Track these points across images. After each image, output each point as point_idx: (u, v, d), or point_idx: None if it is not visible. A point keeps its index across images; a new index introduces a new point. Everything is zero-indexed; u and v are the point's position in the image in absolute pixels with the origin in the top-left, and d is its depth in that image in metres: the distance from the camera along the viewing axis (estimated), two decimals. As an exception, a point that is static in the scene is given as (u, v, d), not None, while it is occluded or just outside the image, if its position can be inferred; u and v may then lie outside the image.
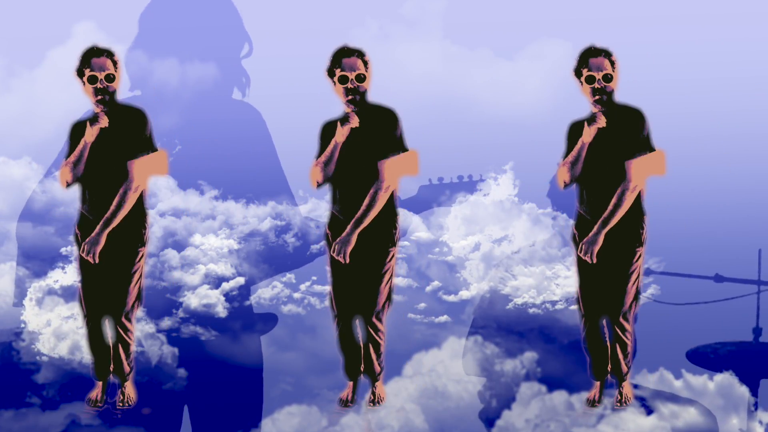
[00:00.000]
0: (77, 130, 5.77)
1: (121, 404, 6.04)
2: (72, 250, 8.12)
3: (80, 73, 5.72)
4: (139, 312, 6.05)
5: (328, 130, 5.81)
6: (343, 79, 5.70)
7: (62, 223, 8.27)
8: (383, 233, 5.78)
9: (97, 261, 5.70)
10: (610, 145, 5.69)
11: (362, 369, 6.02)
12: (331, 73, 5.76)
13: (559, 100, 8.37)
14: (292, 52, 8.97)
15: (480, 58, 9.32)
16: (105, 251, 5.74)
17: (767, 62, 9.04)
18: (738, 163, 8.77)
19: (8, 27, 8.96)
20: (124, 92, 5.92)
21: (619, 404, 6.06)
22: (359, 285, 5.83)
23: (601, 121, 5.69)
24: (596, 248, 5.68)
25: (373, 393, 6.06)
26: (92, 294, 5.83)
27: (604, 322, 5.87)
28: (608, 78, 5.68)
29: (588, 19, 9.05)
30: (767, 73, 9.00)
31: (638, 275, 5.82)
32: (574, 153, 5.76)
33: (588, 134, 5.72)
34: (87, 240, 5.70)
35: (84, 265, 5.82)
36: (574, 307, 7.90)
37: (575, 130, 5.76)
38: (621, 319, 5.83)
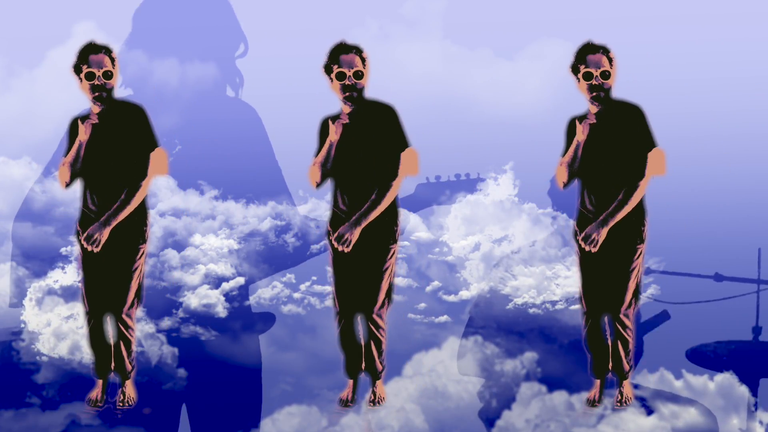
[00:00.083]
0: (76, 126, 5.77)
1: (121, 404, 6.04)
2: (72, 250, 8.12)
3: (77, 69, 5.70)
4: (139, 312, 6.05)
5: (326, 127, 5.80)
6: (341, 76, 5.69)
7: (62, 223, 8.27)
8: (384, 230, 5.78)
9: (98, 250, 5.69)
10: (610, 141, 5.68)
11: (363, 367, 6.02)
12: (328, 70, 5.74)
13: (559, 100, 8.36)
14: (293, 52, 8.98)
15: (480, 58, 9.32)
16: (106, 248, 5.74)
17: (767, 62, 9.04)
18: (738, 163, 8.78)
19: (8, 27, 8.97)
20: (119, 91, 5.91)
21: (619, 404, 6.06)
22: (361, 282, 5.83)
23: (592, 118, 5.69)
24: (600, 238, 5.66)
25: (374, 393, 6.06)
26: (94, 291, 5.83)
27: (606, 319, 5.88)
28: (606, 75, 5.67)
29: (588, 19, 9.05)
30: (767, 73, 9.00)
31: (639, 272, 5.82)
32: (570, 153, 5.76)
33: (581, 132, 5.72)
34: (92, 227, 5.68)
35: (86, 262, 5.83)
36: (575, 307, 7.92)
37: (574, 126, 5.76)
38: (622, 316, 5.83)
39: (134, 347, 6.01)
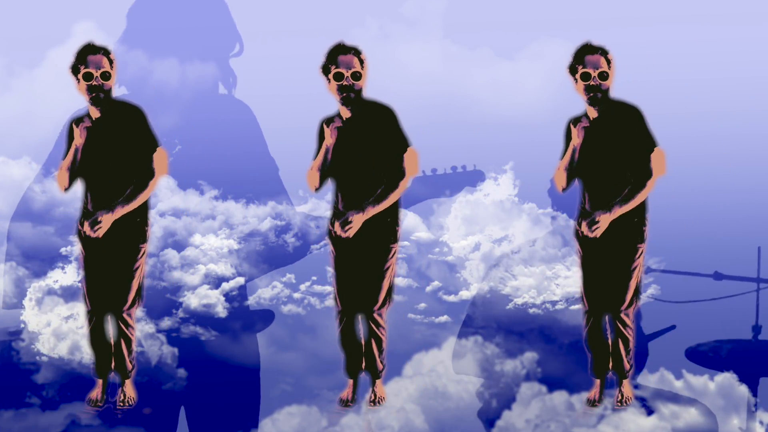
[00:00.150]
0: (77, 123, 5.77)
1: (121, 404, 6.04)
2: (72, 250, 8.12)
3: (75, 70, 5.70)
4: (139, 312, 6.06)
5: (324, 128, 5.80)
6: (339, 76, 5.68)
7: (62, 223, 8.26)
8: (386, 230, 5.79)
9: (98, 236, 5.68)
10: (609, 141, 5.69)
11: (363, 366, 6.02)
12: (326, 70, 5.73)
13: (559, 100, 8.35)
14: (293, 52, 8.97)
15: (480, 57, 9.32)
16: (108, 247, 5.76)
17: (767, 62, 9.03)
18: (737, 162, 8.77)
19: (8, 27, 8.96)
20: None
21: (619, 404, 6.06)
22: (362, 281, 5.83)
23: (586, 122, 5.69)
24: (603, 223, 5.64)
25: (374, 392, 6.06)
26: (95, 290, 5.84)
27: (606, 319, 5.88)
28: (604, 76, 5.66)
29: (588, 19, 9.05)
30: (767, 73, 9.00)
31: (639, 272, 5.82)
32: (567, 157, 5.76)
33: (576, 136, 5.72)
34: (96, 215, 5.68)
35: (87, 262, 5.84)
36: (575, 307, 7.93)
37: (579, 118, 5.76)
38: (623, 315, 5.84)
39: (134, 346, 6.02)
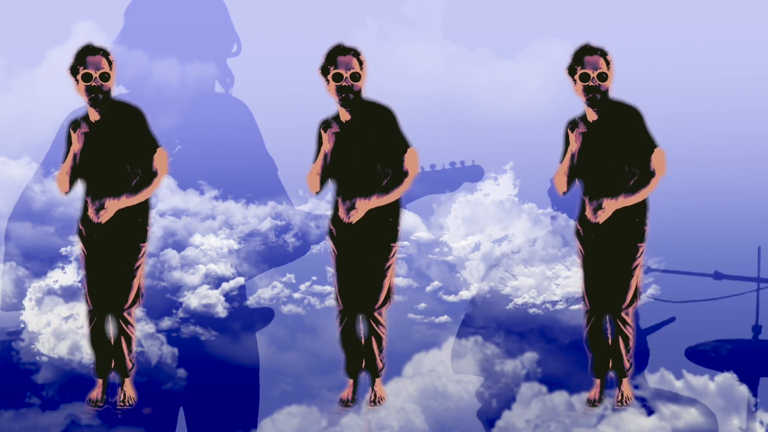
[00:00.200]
0: (73, 130, 5.77)
1: (122, 403, 6.05)
2: (72, 250, 8.12)
3: (74, 70, 5.70)
4: (139, 312, 6.06)
5: (324, 129, 5.80)
6: (338, 77, 5.67)
7: (62, 223, 8.26)
8: (386, 229, 5.79)
9: (102, 221, 5.68)
10: (609, 142, 5.68)
11: (363, 365, 6.02)
12: (325, 71, 5.72)
13: (559, 100, 8.33)
14: (293, 52, 8.97)
15: (480, 58, 9.32)
16: (108, 246, 5.77)
17: (767, 62, 9.03)
18: (737, 162, 8.77)
19: (8, 27, 8.96)
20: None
21: (619, 404, 6.07)
22: (363, 280, 5.83)
23: (583, 127, 5.69)
24: (608, 208, 5.63)
25: (374, 392, 6.07)
26: (96, 289, 5.85)
27: (607, 318, 5.88)
28: (603, 77, 5.66)
29: (588, 19, 9.05)
30: (767, 73, 9.00)
31: (640, 270, 5.83)
32: (566, 163, 5.76)
33: (574, 141, 5.72)
34: (102, 200, 5.68)
35: (88, 261, 5.85)
36: (575, 307, 7.92)
37: (572, 129, 5.76)
38: (623, 314, 5.84)
39: (134, 345, 6.02)
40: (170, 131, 8.20)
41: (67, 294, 8.07)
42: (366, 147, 5.71)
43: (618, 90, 5.73)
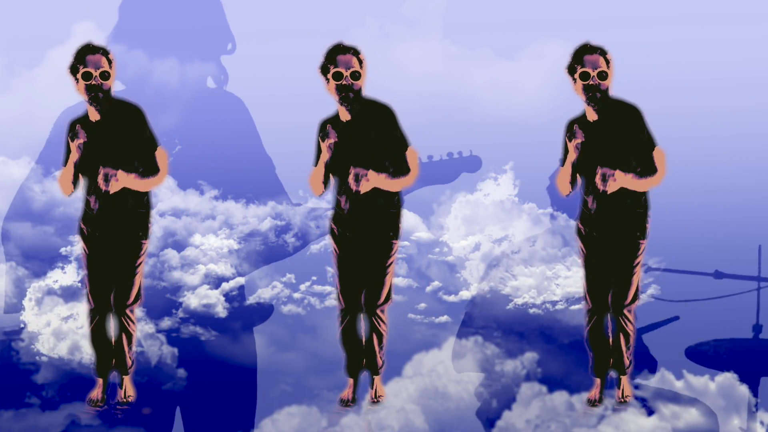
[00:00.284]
0: (73, 130, 5.77)
1: (123, 400, 6.05)
2: (72, 250, 8.12)
3: (74, 69, 5.69)
4: (139, 312, 6.06)
5: (324, 129, 5.80)
6: (338, 76, 5.67)
7: (62, 223, 8.27)
8: (387, 226, 5.79)
9: (110, 190, 5.67)
10: (609, 141, 5.68)
11: (364, 364, 6.02)
12: (325, 70, 5.71)
13: (559, 100, 8.34)
14: (293, 52, 8.98)
15: (480, 58, 9.32)
16: (110, 244, 5.77)
17: (767, 62, 9.04)
18: (738, 162, 8.78)
19: (8, 27, 8.96)
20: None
21: (621, 400, 6.07)
22: (365, 278, 5.83)
23: (581, 135, 5.69)
24: (617, 179, 5.62)
25: (374, 390, 6.07)
26: (98, 287, 5.85)
27: (608, 316, 5.88)
28: (603, 75, 5.65)
29: (588, 19, 9.05)
30: (767, 73, 9.00)
31: (641, 268, 5.84)
32: (568, 169, 5.77)
33: (573, 150, 5.72)
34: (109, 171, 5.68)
35: (90, 260, 5.85)
36: (575, 307, 7.91)
37: (571, 130, 5.76)
38: (625, 311, 5.84)
39: (135, 342, 6.03)
40: (170, 131, 8.20)
41: (67, 294, 8.07)
42: (366, 145, 5.71)
43: (618, 90, 5.73)
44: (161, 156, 5.78)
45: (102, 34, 8.42)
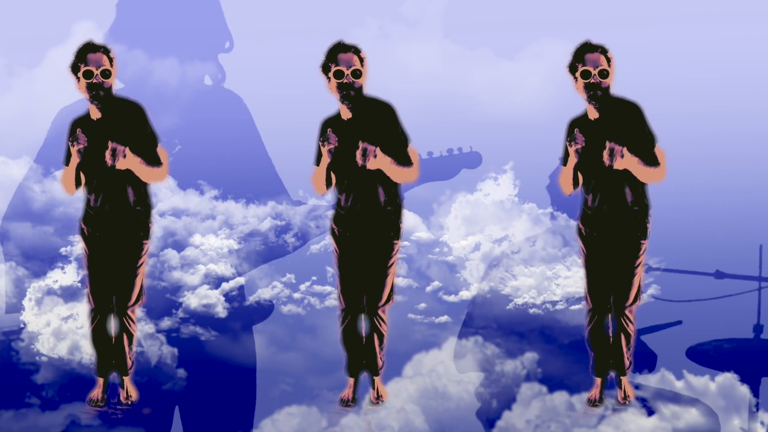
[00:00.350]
0: (77, 127, 5.77)
1: (125, 400, 6.05)
2: (72, 250, 8.11)
3: (75, 68, 5.70)
4: (139, 312, 6.06)
5: (325, 129, 5.80)
6: (339, 74, 5.67)
7: (62, 223, 8.26)
8: (388, 226, 5.79)
9: (117, 166, 5.66)
10: (611, 138, 5.67)
11: (364, 363, 6.02)
12: (326, 69, 5.72)
13: (559, 100, 8.35)
14: (293, 52, 8.98)
15: (480, 57, 9.32)
16: (111, 244, 5.77)
17: (767, 62, 9.04)
18: (739, 162, 8.78)
19: (8, 27, 8.96)
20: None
21: (623, 400, 6.07)
22: (366, 278, 5.83)
23: (581, 141, 5.69)
24: (626, 160, 5.61)
25: (375, 390, 6.07)
26: (99, 288, 5.85)
27: (609, 316, 5.88)
28: (604, 74, 5.66)
29: (588, 19, 9.05)
30: (767, 73, 9.01)
31: (642, 268, 5.83)
32: (570, 169, 5.77)
33: (573, 155, 5.73)
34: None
35: (91, 260, 5.85)
36: (575, 307, 7.91)
37: (572, 130, 5.76)
38: (627, 311, 5.84)
39: (135, 343, 6.03)
40: (170, 131, 8.20)
41: (67, 294, 8.07)
42: (368, 139, 5.70)
43: (618, 90, 5.74)
44: (162, 153, 5.79)
45: (102, 34, 8.42)
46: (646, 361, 7.52)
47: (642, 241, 5.77)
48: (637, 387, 6.45)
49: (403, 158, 5.73)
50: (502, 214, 8.59)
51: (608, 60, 5.68)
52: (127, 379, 6.04)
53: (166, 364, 7.94)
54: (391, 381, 6.51)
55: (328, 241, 5.99)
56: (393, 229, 5.80)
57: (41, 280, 8.15)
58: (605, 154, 5.61)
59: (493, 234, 8.58)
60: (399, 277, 6.07)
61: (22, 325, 8.02)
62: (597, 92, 5.66)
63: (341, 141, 5.72)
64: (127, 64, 8.32)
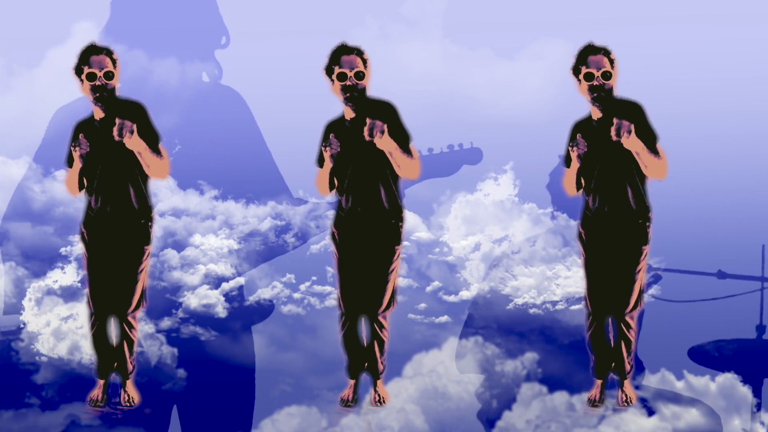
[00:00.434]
0: (80, 131, 5.77)
1: (126, 403, 6.05)
2: (72, 250, 8.11)
3: (79, 71, 5.71)
4: (139, 313, 6.05)
5: (329, 132, 5.81)
6: (342, 77, 5.68)
7: (62, 223, 8.26)
8: (390, 232, 5.78)
9: (123, 140, 5.65)
10: (612, 141, 5.68)
11: (365, 366, 6.02)
12: (329, 71, 5.73)
13: (559, 100, 8.36)
14: (293, 52, 8.97)
15: (480, 57, 9.32)
16: (112, 250, 5.76)
17: (767, 62, 9.03)
18: (742, 161, 8.77)
19: (8, 27, 8.96)
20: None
21: (624, 403, 6.07)
22: (367, 284, 5.82)
23: (583, 146, 5.70)
24: (632, 141, 5.60)
25: (376, 392, 6.06)
26: (100, 293, 5.83)
27: (610, 320, 5.88)
28: (607, 75, 5.67)
29: (588, 19, 9.05)
30: (767, 73, 9.00)
31: (644, 273, 5.83)
32: (574, 171, 5.77)
33: (575, 161, 5.73)
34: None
35: (91, 265, 5.83)
36: (575, 307, 7.91)
37: (577, 131, 5.77)
38: (627, 318, 5.84)
39: (136, 348, 6.02)
40: (170, 131, 8.19)
41: (67, 294, 8.06)
42: (369, 145, 5.71)
43: (619, 90, 5.74)
44: (164, 150, 5.79)
45: (102, 34, 8.42)
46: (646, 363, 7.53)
47: (643, 247, 5.77)
48: (637, 387, 6.45)
49: (406, 152, 5.74)
50: (502, 214, 8.59)
51: (611, 61, 5.69)
52: (128, 383, 6.04)
53: (166, 364, 7.94)
54: (391, 381, 6.50)
55: (328, 242, 5.99)
56: (394, 235, 5.80)
57: (41, 280, 8.14)
58: (612, 129, 5.61)
59: (493, 234, 8.58)
60: (399, 277, 6.06)
61: (21, 325, 8.02)
62: (600, 94, 5.67)
63: (344, 143, 5.72)
64: (127, 64, 8.32)
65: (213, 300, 8.13)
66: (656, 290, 7.96)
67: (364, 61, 5.72)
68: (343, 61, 5.69)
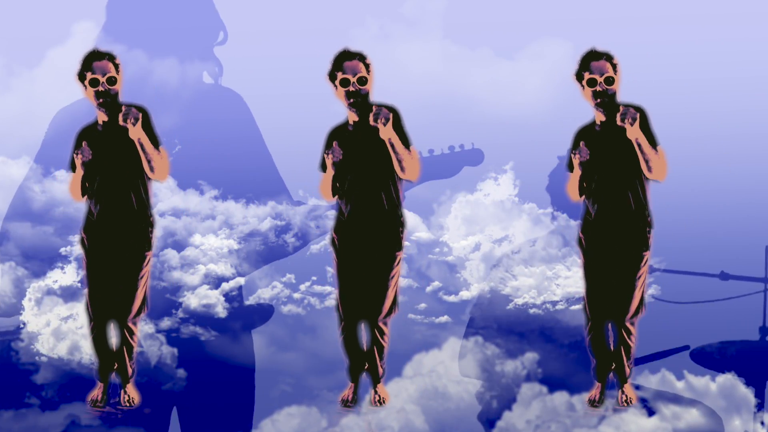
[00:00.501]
0: (83, 138, 5.78)
1: (126, 403, 6.05)
2: (72, 249, 8.11)
3: (82, 76, 5.73)
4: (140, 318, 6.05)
5: (332, 139, 5.81)
6: (345, 83, 5.71)
7: (61, 223, 8.25)
8: (390, 237, 5.78)
9: (129, 127, 5.65)
10: (615, 144, 5.69)
11: (366, 367, 6.02)
12: (332, 77, 5.75)
13: (560, 100, 8.36)
14: (293, 52, 8.97)
15: (480, 57, 9.31)
16: (112, 255, 5.76)
17: (767, 62, 9.03)
18: (744, 162, 8.77)
19: (8, 27, 8.95)
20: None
21: (625, 404, 6.08)
22: (367, 290, 5.82)
23: (585, 154, 5.71)
24: (635, 130, 5.59)
25: (376, 393, 6.06)
26: (100, 298, 5.83)
27: (610, 325, 5.89)
28: (610, 81, 5.69)
29: (588, 19, 9.05)
30: (767, 73, 9.00)
31: (644, 280, 5.83)
32: (576, 180, 5.78)
33: (576, 165, 5.74)
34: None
35: (91, 270, 5.83)
36: (575, 307, 7.91)
37: (581, 137, 5.78)
38: (627, 323, 5.85)
39: (136, 352, 6.03)
40: (170, 131, 8.19)
41: (67, 294, 8.06)
42: (373, 149, 5.72)
43: (620, 90, 5.74)
44: (164, 152, 5.80)
45: (101, 34, 8.41)
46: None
47: (644, 253, 5.77)
48: (637, 387, 6.45)
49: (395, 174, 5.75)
50: (502, 214, 8.58)
51: (614, 66, 5.71)
52: (129, 385, 6.04)
53: (166, 364, 7.93)
54: (391, 381, 6.51)
55: (328, 246, 5.99)
56: (395, 240, 5.80)
57: (41, 280, 8.14)
58: (618, 116, 5.62)
59: (494, 234, 8.57)
60: (399, 277, 6.06)
61: (21, 325, 8.02)
62: (604, 99, 5.69)
63: (346, 149, 5.74)
64: (127, 64, 8.31)
65: (213, 300, 8.13)
66: (656, 290, 7.96)
67: (367, 66, 5.74)
68: (346, 67, 5.70)
